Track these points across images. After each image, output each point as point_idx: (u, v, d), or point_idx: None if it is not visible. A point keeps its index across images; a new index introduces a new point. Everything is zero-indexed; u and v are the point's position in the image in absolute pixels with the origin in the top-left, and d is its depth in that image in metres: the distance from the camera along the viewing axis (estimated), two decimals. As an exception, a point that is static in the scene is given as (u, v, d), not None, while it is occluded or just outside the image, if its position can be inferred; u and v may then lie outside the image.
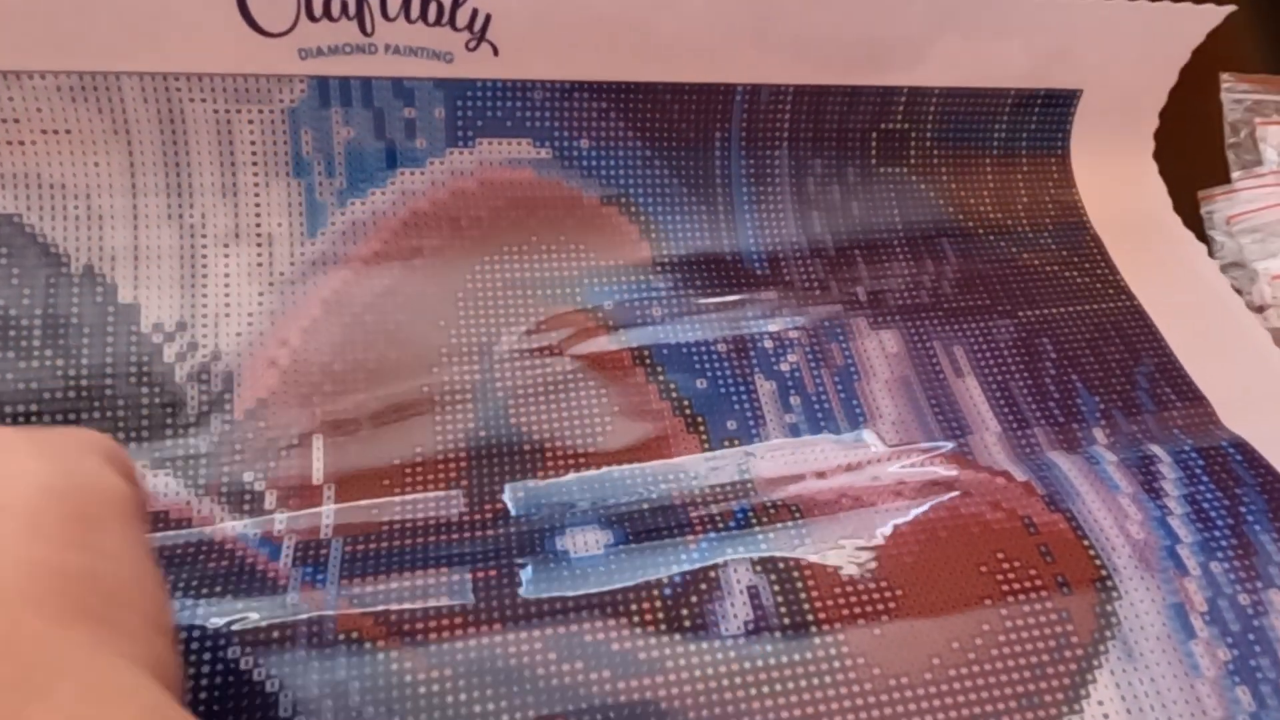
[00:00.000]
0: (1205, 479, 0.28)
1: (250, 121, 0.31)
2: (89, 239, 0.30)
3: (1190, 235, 0.36)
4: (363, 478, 0.28)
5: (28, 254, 0.29)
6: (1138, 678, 0.25)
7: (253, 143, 0.31)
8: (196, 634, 0.24)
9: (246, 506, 0.27)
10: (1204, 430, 0.30)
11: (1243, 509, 0.28)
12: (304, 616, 0.24)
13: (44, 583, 0.16)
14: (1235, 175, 0.37)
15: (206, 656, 0.23)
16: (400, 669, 0.24)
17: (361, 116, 0.32)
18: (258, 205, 0.31)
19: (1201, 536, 0.27)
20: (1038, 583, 0.26)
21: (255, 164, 0.31)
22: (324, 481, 0.28)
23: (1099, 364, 0.32)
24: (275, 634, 0.24)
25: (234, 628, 0.24)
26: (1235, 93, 0.39)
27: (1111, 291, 0.34)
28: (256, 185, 0.31)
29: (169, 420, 0.29)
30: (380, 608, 0.24)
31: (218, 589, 0.25)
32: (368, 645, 0.24)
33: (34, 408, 0.28)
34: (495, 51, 0.32)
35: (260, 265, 0.31)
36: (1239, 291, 0.34)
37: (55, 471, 0.18)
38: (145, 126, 0.30)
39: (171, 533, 0.26)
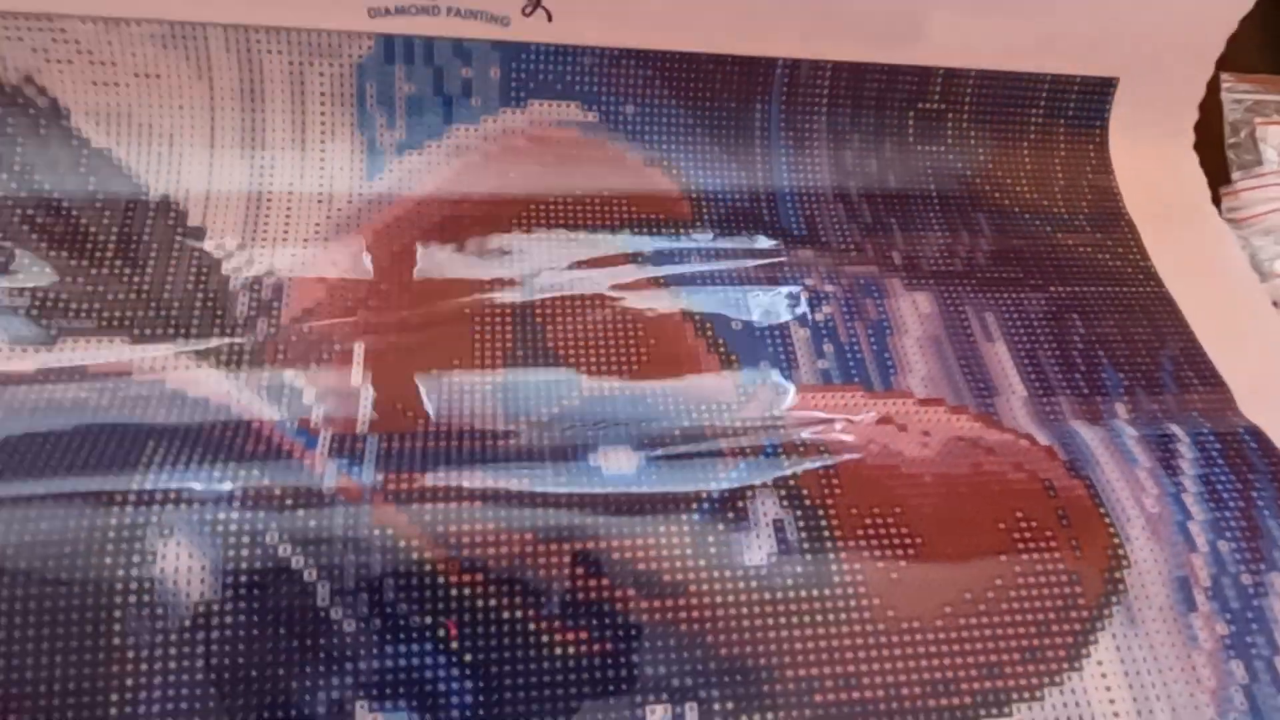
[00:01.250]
0: (1221, 462, 0.29)
1: (321, 74, 0.33)
2: (168, 173, 0.32)
3: (1226, 226, 0.36)
4: (400, 385, 0.28)
5: (113, 183, 0.32)
6: (1138, 644, 0.26)
7: (322, 93, 0.33)
8: (235, 520, 0.24)
9: (285, 400, 0.28)
10: (1222, 415, 0.31)
11: (1254, 494, 0.29)
12: (341, 508, 0.25)
13: None
14: (1235, 175, 0.38)
15: (245, 540, 0.24)
16: (434, 569, 0.24)
17: (422, 74, 0.33)
18: (323, 151, 0.33)
19: (1212, 515, 0.28)
20: (1052, 544, 0.27)
21: (323, 113, 0.33)
22: (362, 384, 0.28)
23: (1125, 343, 0.32)
24: (312, 524, 0.24)
25: (271, 516, 0.24)
26: (1235, 93, 0.39)
27: (1141, 277, 0.35)
28: (323, 133, 0.33)
29: (218, 320, 0.30)
30: (415, 506, 0.25)
31: (255, 472, 0.25)
32: (403, 544, 0.25)
33: (96, 305, 0.29)
34: (549, 17, 0.33)
35: (320, 203, 0.32)
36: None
37: None
38: (225, 74, 0.33)
39: (210, 418, 0.27)
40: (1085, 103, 0.37)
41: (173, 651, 0.23)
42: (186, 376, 0.28)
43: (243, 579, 0.24)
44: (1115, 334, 0.33)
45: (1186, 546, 0.27)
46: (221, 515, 0.24)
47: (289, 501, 0.25)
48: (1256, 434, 0.30)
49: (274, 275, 0.31)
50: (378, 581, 0.24)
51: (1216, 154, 0.39)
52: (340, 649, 0.24)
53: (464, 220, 0.33)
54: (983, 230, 0.35)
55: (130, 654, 0.23)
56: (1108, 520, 0.28)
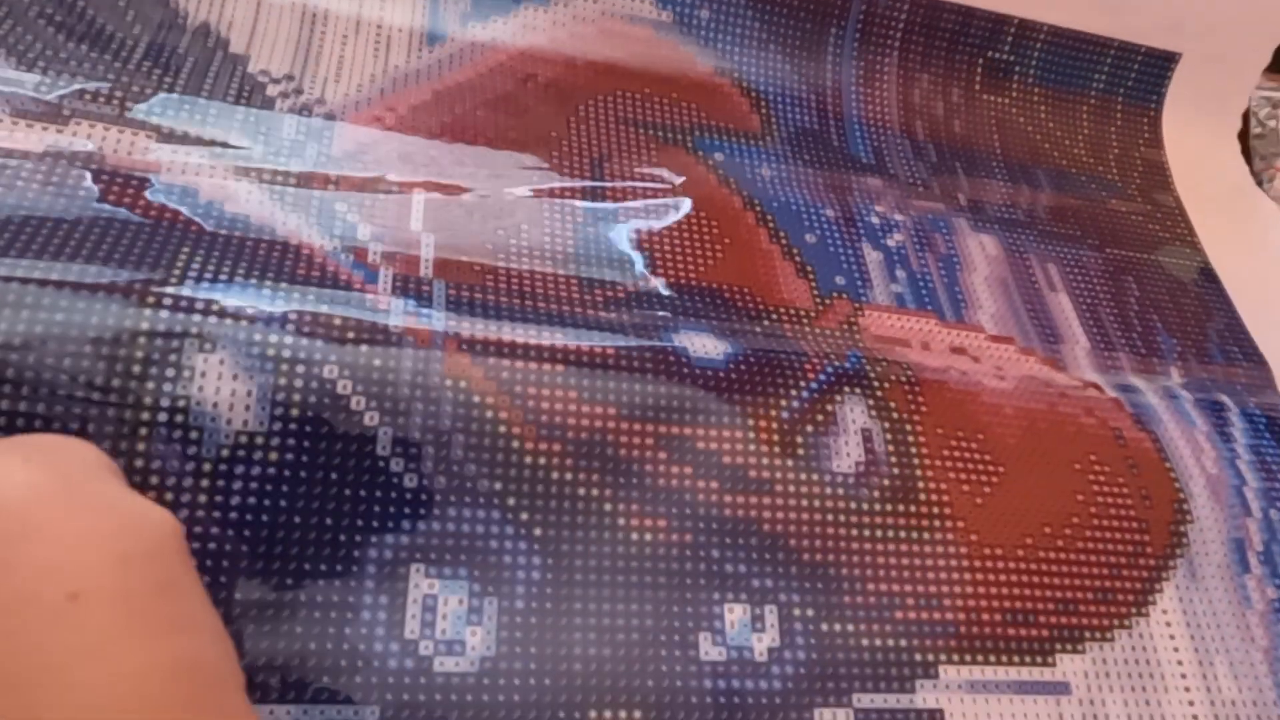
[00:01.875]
0: (1268, 435, 0.29)
1: None
2: (210, 2, 0.29)
3: (1275, 208, 0.36)
4: (466, 238, 0.26)
5: (145, 4, 0.28)
6: (1199, 597, 0.25)
7: None
8: (288, 345, 0.21)
9: (338, 231, 0.24)
10: (1265, 390, 0.31)
11: (1299, 469, 0.29)
12: (409, 350, 0.22)
13: (165, 688, 0.15)
14: (1256, 165, 0.39)
15: (299, 370, 0.21)
16: (508, 432, 0.22)
17: None
18: (381, 6, 0.30)
19: (1264, 484, 0.28)
20: (1124, 490, 0.26)
21: None
22: (423, 230, 0.25)
23: (1176, 311, 0.32)
24: (377, 363, 0.21)
25: (331, 348, 0.21)
26: (1263, 89, 0.40)
27: (1188, 251, 0.35)
28: None
29: (261, 138, 0.26)
30: (492, 360, 0.22)
31: (310, 297, 0.22)
32: (476, 399, 0.22)
33: (119, 94, 0.25)
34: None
35: (376, 57, 0.29)
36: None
37: (114, 531, 0.16)
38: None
39: (253, 235, 0.23)
40: (1146, 75, 0.37)
41: (204, 484, 0.20)
42: (224, 187, 0.24)
43: (293, 413, 0.20)
44: (1167, 301, 0.32)
45: (1243, 510, 0.27)
46: (274, 338, 0.21)
47: (350, 335, 0.22)
48: (1297, 414, 0.31)
49: (325, 106, 0.27)
50: (446, 436, 0.21)
51: (1242, 145, 0.39)
52: (399, 504, 0.21)
53: (531, 96, 0.30)
54: (1042, 186, 0.34)
55: (154, 480, 0.19)
56: (1173, 475, 0.27)
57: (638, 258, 0.27)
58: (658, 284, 0.26)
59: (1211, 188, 0.37)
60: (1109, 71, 0.37)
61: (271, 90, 0.27)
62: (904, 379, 0.26)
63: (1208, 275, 0.34)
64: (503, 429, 0.22)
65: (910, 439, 0.25)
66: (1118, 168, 0.36)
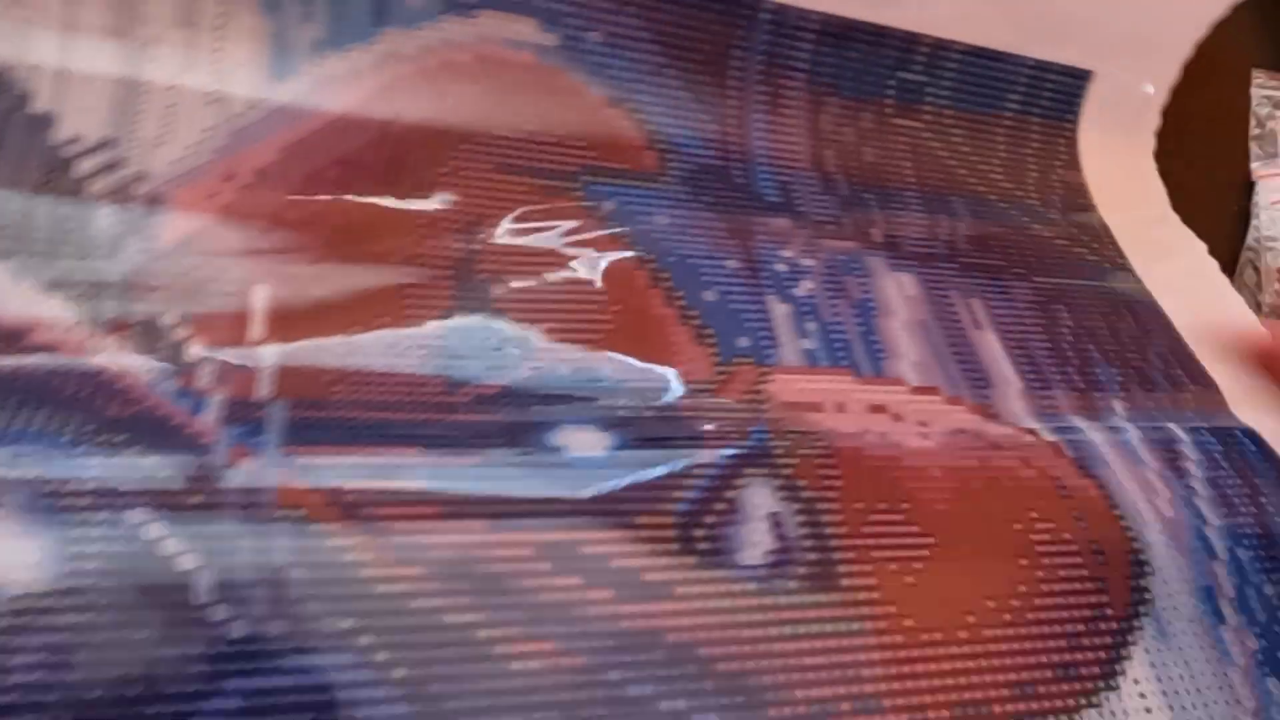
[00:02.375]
0: (1224, 465, 0.27)
1: None
2: (9, 40, 0.24)
3: (1190, 233, 0.35)
4: (313, 340, 0.23)
5: None
6: (1172, 659, 0.23)
7: None
8: (87, 494, 0.18)
9: (160, 351, 0.22)
10: (1217, 414, 0.29)
11: (1263, 499, 0.26)
12: (235, 485, 0.19)
13: None
14: (1255, 165, 0.37)
15: (100, 519, 0.18)
16: (355, 560, 0.19)
17: None
18: (218, 39, 0.26)
19: (1227, 522, 0.25)
20: (1072, 548, 0.24)
21: None
22: (265, 339, 0.22)
23: (1113, 337, 0.30)
24: (194, 500, 0.19)
25: (139, 489, 0.18)
26: (1265, 89, 0.39)
27: (1120, 274, 0.33)
28: (219, 15, 0.26)
29: (68, 239, 0.23)
30: (333, 484, 0.19)
31: (118, 439, 0.19)
32: (315, 527, 0.19)
33: None
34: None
35: (214, 102, 0.25)
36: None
37: None
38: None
39: (63, 364, 0.21)
40: (1060, 93, 0.35)
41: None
42: (24, 312, 0.21)
43: (90, 566, 0.17)
44: (1103, 328, 0.30)
45: (1207, 554, 0.25)
46: (70, 487, 0.18)
47: (165, 473, 0.19)
48: (1253, 436, 0.28)
49: (147, 183, 0.24)
50: (279, 573, 0.18)
51: (1242, 143, 0.39)
52: (224, 659, 0.18)
53: (392, 146, 0.27)
54: (960, 214, 0.32)
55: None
56: (1124, 523, 0.25)
57: (514, 340, 0.24)
58: (537, 368, 0.24)
59: (1134, 208, 0.35)
60: (1024, 91, 0.35)
61: (82, 167, 0.23)
62: (815, 451, 0.23)
63: (1141, 297, 0.32)
64: (349, 557, 0.19)
65: (825, 518, 0.22)
66: (1037, 191, 0.34)
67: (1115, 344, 0.30)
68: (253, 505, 0.19)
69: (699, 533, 0.21)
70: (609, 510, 0.21)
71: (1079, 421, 0.27)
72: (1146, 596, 0.23)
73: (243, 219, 0.24)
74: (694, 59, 0.30)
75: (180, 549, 0.18)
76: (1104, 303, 0.31)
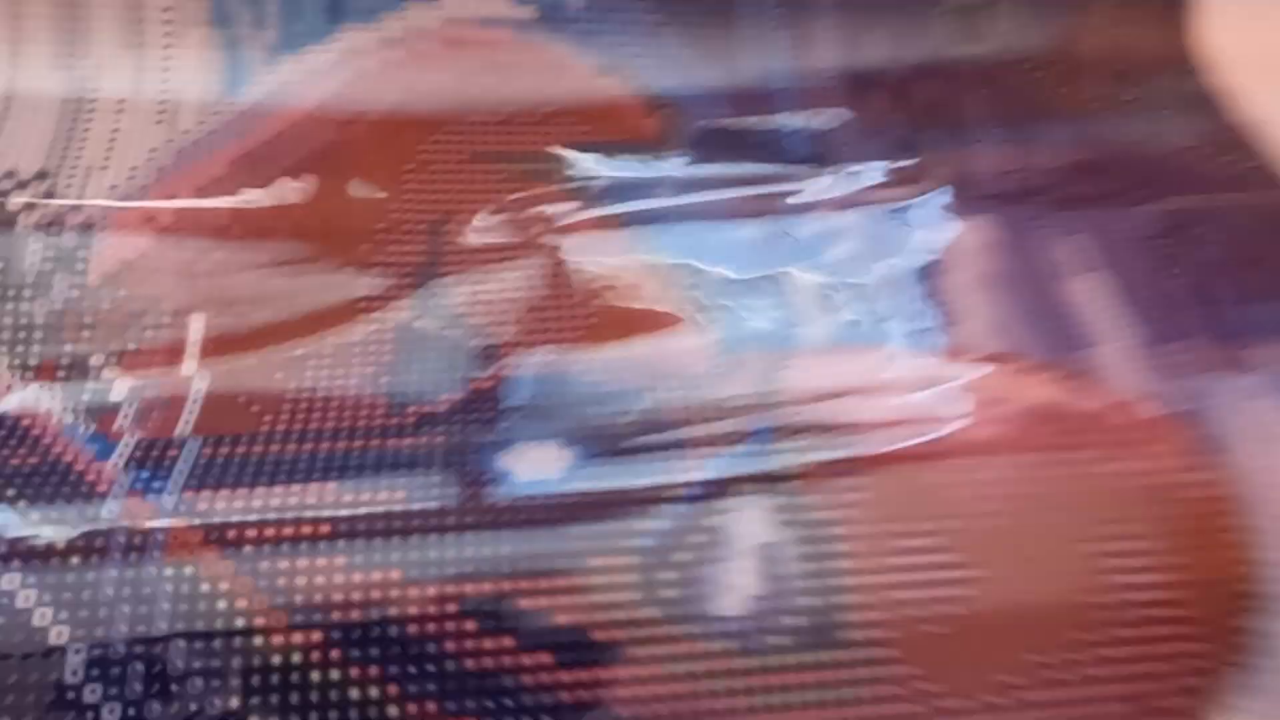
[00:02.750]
0: None
1: None
2: None
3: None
4: (249, 368, 0.20)
5: None
6: (1283, 730, 0.18)
7: None
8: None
9: (87, 395, 0.19)
10: None
11: None
12: (121, 540, 0.17)
13: None
14: None
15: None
16: (248, 625, 0.17)
17: None
18: (167, 56, 0.24)
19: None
20: (1163, 576, 0.19)
21: (167, 8, 0.25)
22: (197, 372, 0.20)
23: (1267, 265, 0.23)
24: (74, 559, 0.17)
25: (17, 548, 0.16)
26: None
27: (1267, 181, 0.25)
28: (167, 34, 0.25)
29: None
30: (233, 534, 0.17)
31: (10, 492, 0.17)
32: (205, 588, 0.17)
33: None
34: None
35: (160, 123, 0.24)
36: None
37: None
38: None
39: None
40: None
41: None
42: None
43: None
44: (1252, 255, 0.23)
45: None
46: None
47: (49, 530, 0.17)
48: None
49: (81, 213, 0.22)
50: (161, 645, 0.16)
51: None
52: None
53: (354, 147, 0.24)
54: (1051, 137, 0.25)
55: None
56: (1250, 534, 0.19)
57: (475, 349, 0.21)
58: (501, 378, 0.20)
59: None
60: None
61: (13, 201, 0.22)
62: (833, 454, 0.19)
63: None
64: (240, 621, 0.16)
65: (835, 548, 0.18)
66: (1155, 93, 0.26)
67: (1269, 274, 0.23)
68: (139, 563, 0.17)
69: (666, 575, 0.18)
70: (552, 552, 0.17)
71: (1209, 383, 0.21)
72: (1261, 643, 0.18)
73: (183, 239, 0.22)
74: (695, 10, 0.26)
75: (53, 620, 0.16)
76: (1254, 222, 0.24)
